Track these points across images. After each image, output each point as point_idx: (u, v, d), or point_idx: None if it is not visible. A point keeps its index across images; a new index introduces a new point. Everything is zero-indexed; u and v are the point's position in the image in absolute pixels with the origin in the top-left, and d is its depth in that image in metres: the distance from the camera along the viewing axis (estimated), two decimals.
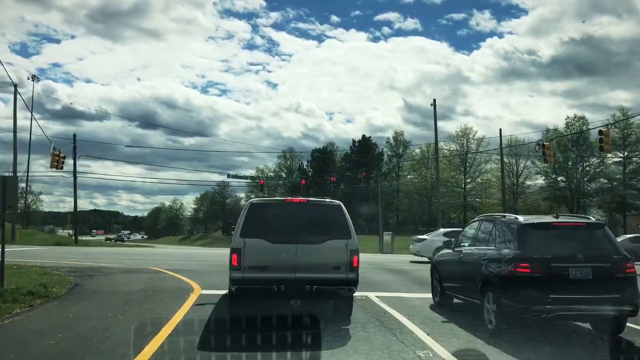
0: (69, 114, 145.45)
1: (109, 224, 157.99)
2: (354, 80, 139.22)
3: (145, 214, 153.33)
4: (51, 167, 37.81)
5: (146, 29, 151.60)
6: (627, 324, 7.48)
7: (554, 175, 59.55)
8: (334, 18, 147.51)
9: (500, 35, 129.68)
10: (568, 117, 59.15)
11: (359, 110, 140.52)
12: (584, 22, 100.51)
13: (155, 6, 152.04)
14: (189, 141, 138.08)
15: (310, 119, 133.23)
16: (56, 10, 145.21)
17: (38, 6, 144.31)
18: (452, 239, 10.71)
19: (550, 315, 6.99)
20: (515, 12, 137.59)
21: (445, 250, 10.58)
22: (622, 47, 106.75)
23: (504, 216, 8.89)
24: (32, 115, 45.70)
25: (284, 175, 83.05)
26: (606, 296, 7.01)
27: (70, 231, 63.81)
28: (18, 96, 40.25)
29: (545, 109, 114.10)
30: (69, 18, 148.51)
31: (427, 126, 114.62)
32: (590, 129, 52.23)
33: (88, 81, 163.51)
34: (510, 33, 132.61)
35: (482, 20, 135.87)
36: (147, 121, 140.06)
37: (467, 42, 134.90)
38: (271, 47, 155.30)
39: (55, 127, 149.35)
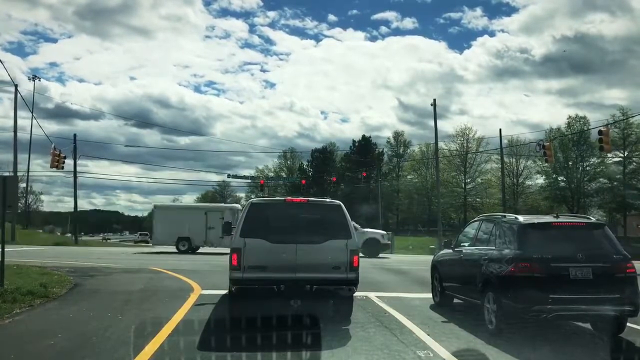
0: (62, 114, 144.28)
1: (108, 224, 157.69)
2: (349, 79, 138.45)
3: (145, 213, 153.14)
4: (51, 167, 37.78)
5: (135, 26, 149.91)
6: (627, 324, 7.47)
7: (554, 175, 59.56)
8: (332, 17, 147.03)
9: (492, 34, 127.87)
10: (570, 117, 59.25)
11: (354, 109, 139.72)
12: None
13: (144, 3, 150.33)
14: (184, 140, 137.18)
15: (305, 118, 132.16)
16: (43, 8, 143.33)
17: (25, 3, 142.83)
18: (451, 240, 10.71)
19: (550, 315, 6.99)
20: (507, 9, 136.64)
21: (446, 250, 10.58)
22: (616, 44, 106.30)
23: (504, 216, 8.89)
24: (32, 115, 45.64)
25: (284, 175, 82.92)
26: (606, 296, 7.01)
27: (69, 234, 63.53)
28: (18, 96, 40.12)
29: (540, 108, 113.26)
30: (56, 15, 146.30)
31: (422, 125, 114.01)
32: (590, 128, 52.29)
33: (81, 80, 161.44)
34: (502, 31, 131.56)
35: (474, 18, 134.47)
36: (142, 120, 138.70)
37: (459, 40, 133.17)
38: (268, 47, 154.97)
39: (50, 127, 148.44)
